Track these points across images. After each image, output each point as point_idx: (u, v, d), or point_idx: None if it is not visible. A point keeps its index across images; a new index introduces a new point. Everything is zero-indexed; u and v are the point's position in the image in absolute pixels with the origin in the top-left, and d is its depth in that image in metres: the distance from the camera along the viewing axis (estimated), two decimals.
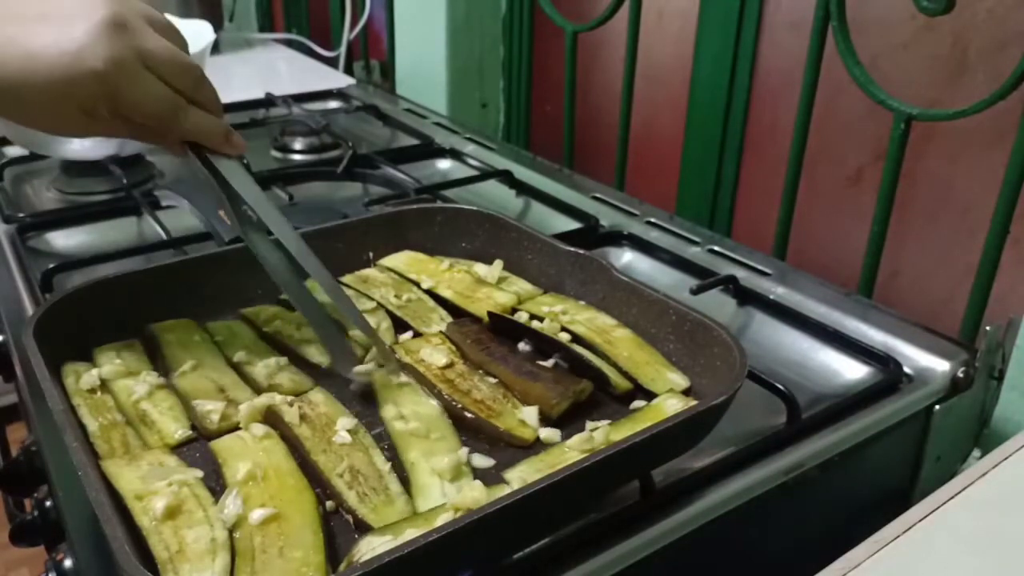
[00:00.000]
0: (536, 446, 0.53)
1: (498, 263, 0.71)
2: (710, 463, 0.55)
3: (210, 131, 0.57)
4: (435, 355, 0.60)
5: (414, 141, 1.16)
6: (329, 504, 0.49)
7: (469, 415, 0.55)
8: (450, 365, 0.60)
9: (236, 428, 0.54)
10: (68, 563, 0.51)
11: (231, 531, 0.45)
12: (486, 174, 1.02)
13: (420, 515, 0.47)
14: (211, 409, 0.54)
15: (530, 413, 0.55)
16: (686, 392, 0.57)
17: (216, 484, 0.49)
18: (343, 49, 1.64)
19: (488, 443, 0.54)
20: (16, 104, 0.51)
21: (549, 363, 0.60)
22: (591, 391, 0.58)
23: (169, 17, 0.81)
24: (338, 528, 0.47)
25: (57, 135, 0.56)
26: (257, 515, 0.45)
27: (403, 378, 0.59)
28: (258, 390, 0.57)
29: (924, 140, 0.83)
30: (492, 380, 0.59)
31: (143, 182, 0.98)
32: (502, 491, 0.47)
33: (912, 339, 0.68)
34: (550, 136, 1.31)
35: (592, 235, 0.86)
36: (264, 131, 1.18)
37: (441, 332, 0.64)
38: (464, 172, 1.05)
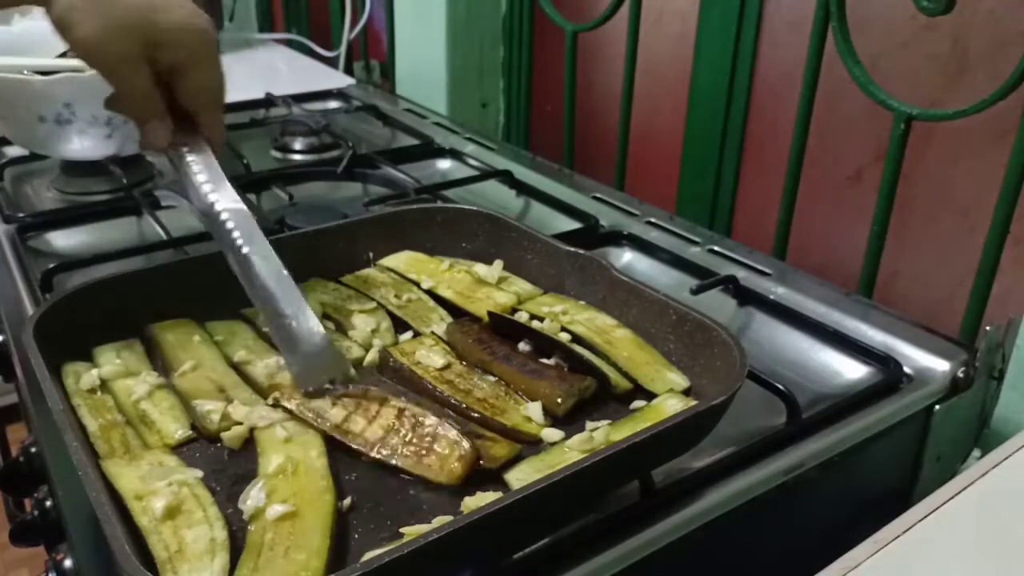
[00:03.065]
0: (536, 446, 0.54)
1: (498, 263, 0.71)
2: (710, 463, 0.55)
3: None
4: (432, 357, 0.60)
5: (414, 141, 1.16)
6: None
7: (475, 414, 0.55)
8: (448, 366, 0.60)
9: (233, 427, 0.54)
10: (68, 563, 0.51)
11: (247, 522, 0.45)
12: (486, 174, 1.02)
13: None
14: (211, 409, 0.54)
15: (535, 409, 0.55)
16: (686, 392, 0.57)
17: (216, 484, 0.49)
18: (343, 49, 1.63)
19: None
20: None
21: (550, 362, 0.61)
22: (595, 388, 0.58)
23: None
24: (359, 523, 0.47)
25: (88, 46, 0.56)
26: (273, 511, 0.46)
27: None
28: (258, 390, 0.57)
29: (924, 140, 0.83)
30: (491, 379, 0.59)
31: (143, 182, 0.98)
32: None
33: (912, 339, 0.68)
34: (550, 136, 1.30)
35: (592, 235, 0.86)
36: (264, 131, 1.18)
37: (434, 333, 0.64)
38: (464, 172, 1.05)
